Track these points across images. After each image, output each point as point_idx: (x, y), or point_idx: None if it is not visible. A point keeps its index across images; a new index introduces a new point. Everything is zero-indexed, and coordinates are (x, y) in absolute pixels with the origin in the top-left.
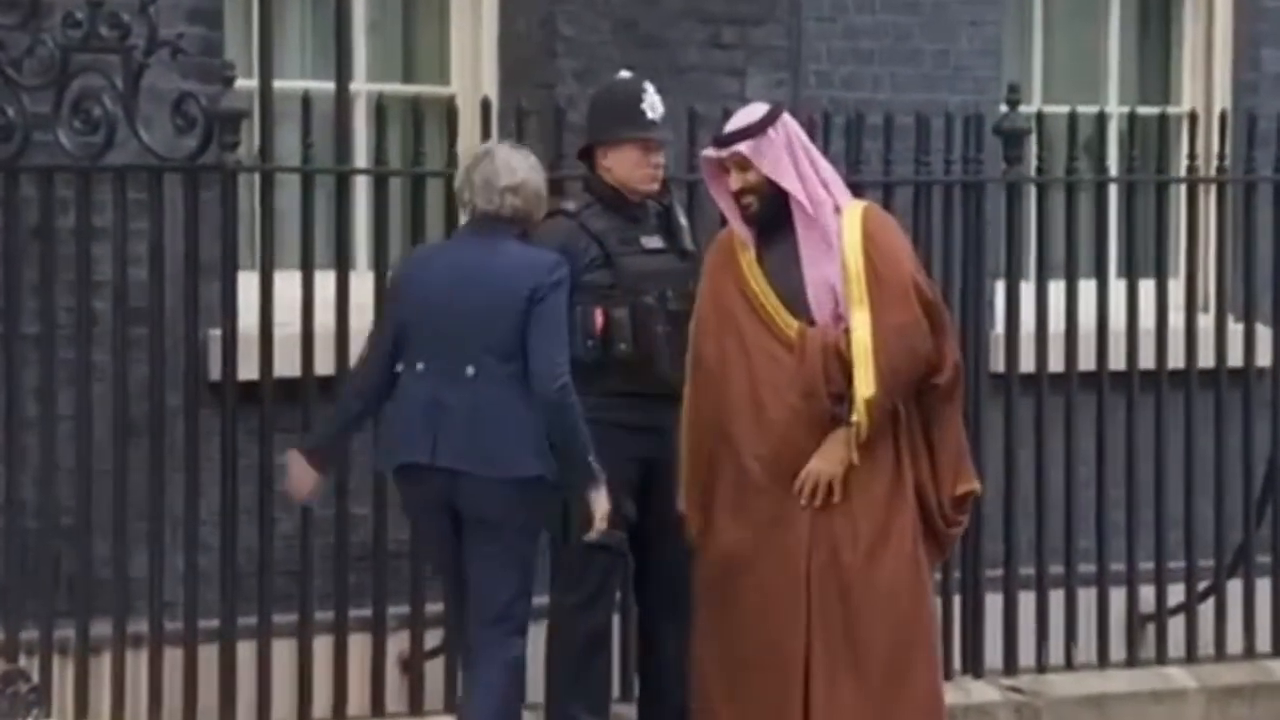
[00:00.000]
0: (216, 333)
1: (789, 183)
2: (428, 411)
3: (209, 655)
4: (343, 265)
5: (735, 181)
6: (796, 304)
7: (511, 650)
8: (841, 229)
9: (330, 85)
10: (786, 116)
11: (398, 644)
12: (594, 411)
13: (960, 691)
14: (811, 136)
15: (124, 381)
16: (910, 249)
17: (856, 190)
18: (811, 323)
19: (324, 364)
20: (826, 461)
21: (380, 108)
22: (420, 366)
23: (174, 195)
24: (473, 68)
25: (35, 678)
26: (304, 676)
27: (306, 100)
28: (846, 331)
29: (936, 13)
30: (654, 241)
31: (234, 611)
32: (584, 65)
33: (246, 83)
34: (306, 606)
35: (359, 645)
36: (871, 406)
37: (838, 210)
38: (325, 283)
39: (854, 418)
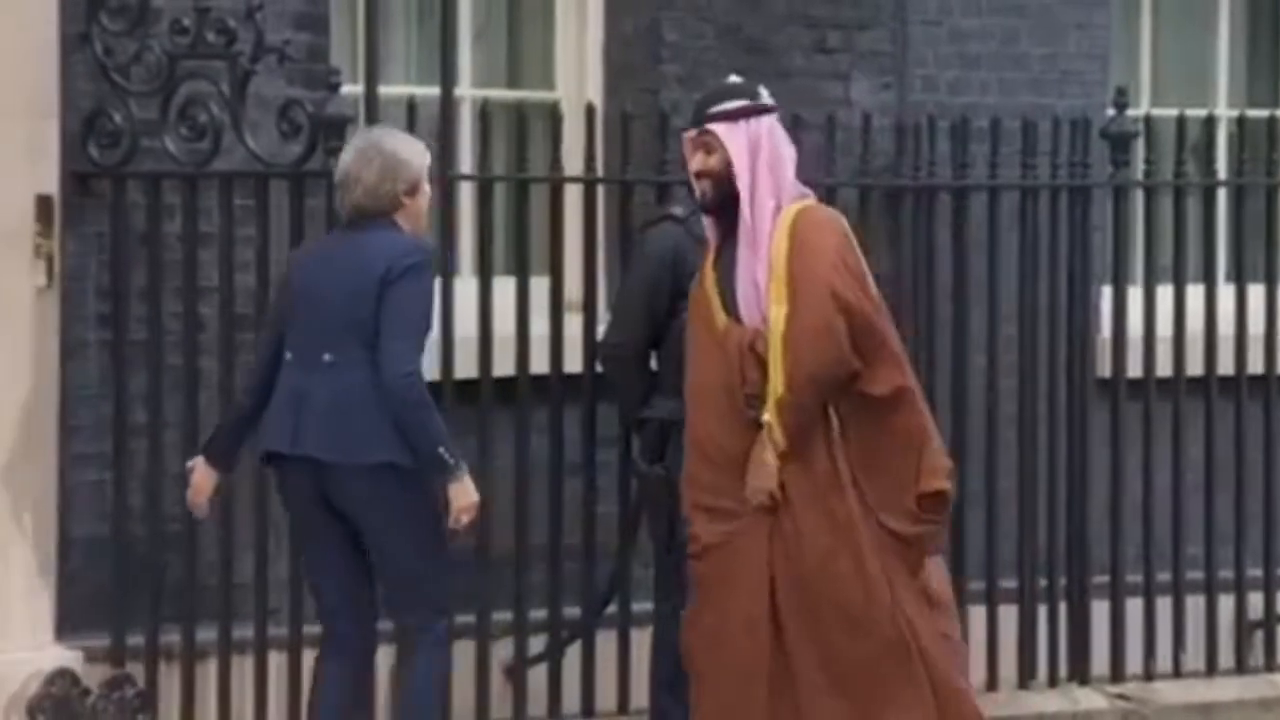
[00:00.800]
0: None
1: (740, 176)
2: (290, 400)
3: (313, 661)
4: (447, 271)
5: (696, 162)
6: (732, 302)
7: (432, 632)
8: (774, 229)
9: (435, 91)
10: (767, 117)
11: (502, 651)
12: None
13: (1067, 699)
14: (917, 142)
15: (229, 388)
16: (841, 252)
17: (961, 195)
18: (739, 322)
19: (427, 370)
20: (754, 476)
21: (485, 113)
22: (289, 356)
23: (279, 201)
24: (577, 73)
25: (141, 683)
26: None
27: (411, 106)
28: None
29: (1043, 16)
30: None
31: None
32: (688, 70)
33: (352, 88)
34: None
35: (463, 651)
36: (782, 408)
37: (778, 210)
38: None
39: (765, 417)
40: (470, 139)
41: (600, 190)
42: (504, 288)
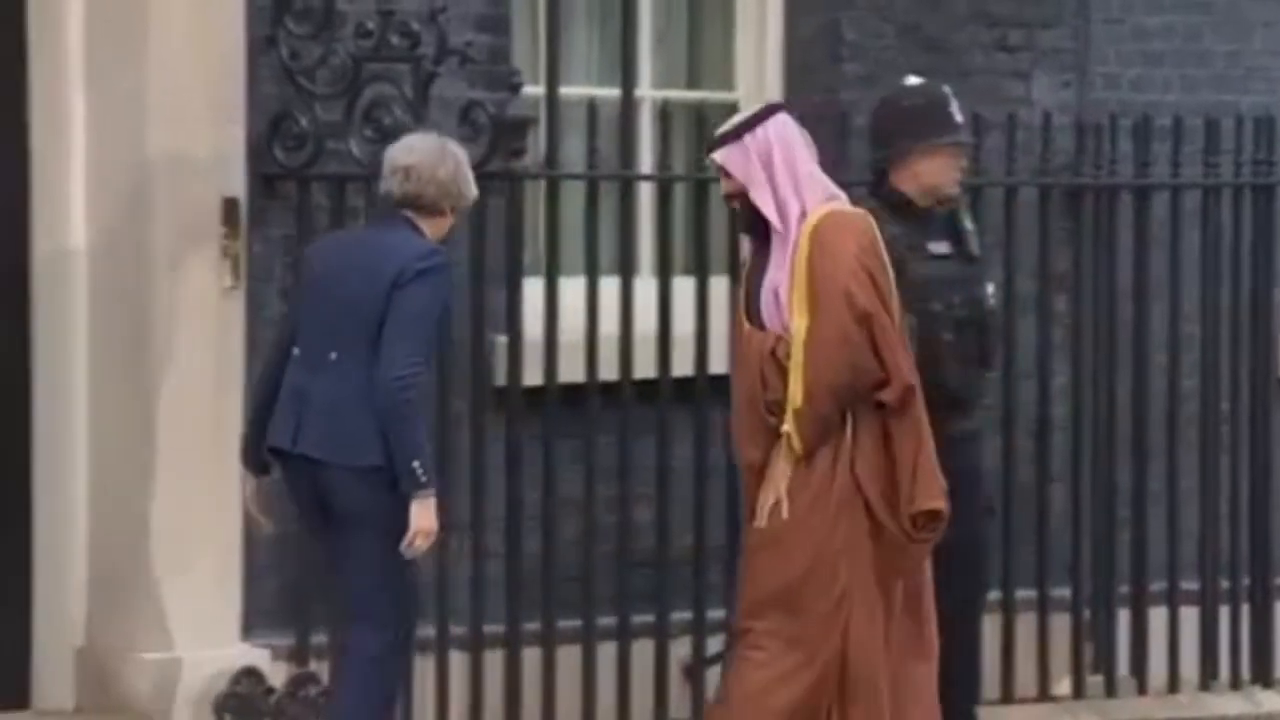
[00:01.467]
0: (502, 339)
1: (757, 192)
2: (292, 397)
3: (494, 660)
4: (627, 271)
5: (725, 186)
6: (756, 309)
7: (367, 649)
8: (799, 236)
9: (616, 92)
10: (772, 120)
11: (680, 650)
12: None
13: (1249, 701)
14: (1099, 140)
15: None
16: (862, 258)
17: (1143, 194)
18: (763, 328)
19: (608, 370)
20: (766, 485)
21: (665, 114)
22: (296, 352)
23: None
24: (757, 73)
25: (325, 681)
26: (588, 682)
27: (592, 107)
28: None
29: (1229, 12)
30: (941, 247)
31: (519, 618)
32: (868, 70)
33: (533, 90)
34: (590, 613)
35: (642, 651)
36: (800, 418)
37: (803, 216)
38: (609, 289)
39: (784, 428)
40: (650, 139)
41: None
42: (683, 288)
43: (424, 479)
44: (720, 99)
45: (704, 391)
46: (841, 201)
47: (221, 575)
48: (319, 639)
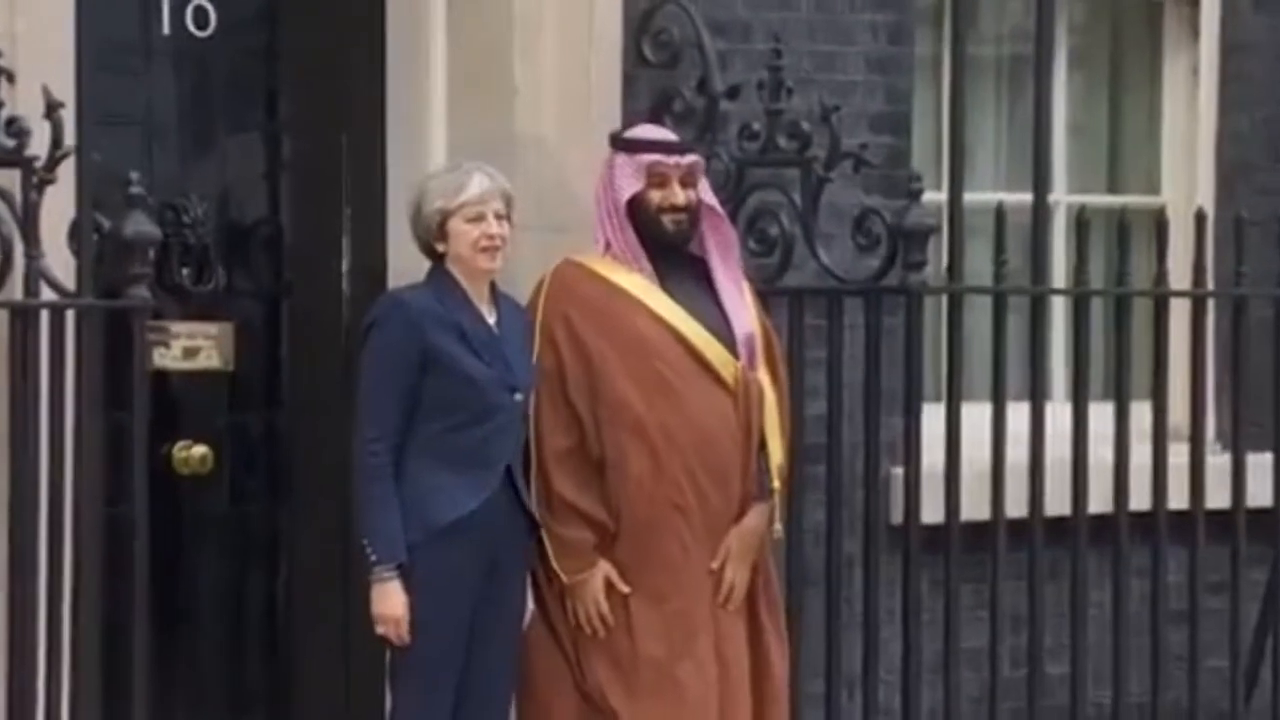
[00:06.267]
0: (898, 471)
1: (716, 203)
2: None
3: None
4: (1038, 395)
5: (679, 196)
6: (722, 340)
7: None
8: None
9: (1026, 197)
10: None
11: None
12: None
13: None
14: None
15: (798, 525)
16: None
17: None
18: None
19: (1016, 505)
20: (747, 549)
21: (1081, 221)
22: None
23: (854, 320)
24: (1186, 175)
25: None
26: None
27: (999, 213)
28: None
29: None
30: None
31: None
32: None
33: (934, 195)
34: None
35: None
36: (782, 474)
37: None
38: (1018, 415)
39: (774, 483)
40: (1064, 249)
41: (1210, 305)
42: (1101, 414)
43: (373, 559)
44: (1144, 203)
45: (1123, 529)
46: None
47: None
48: None
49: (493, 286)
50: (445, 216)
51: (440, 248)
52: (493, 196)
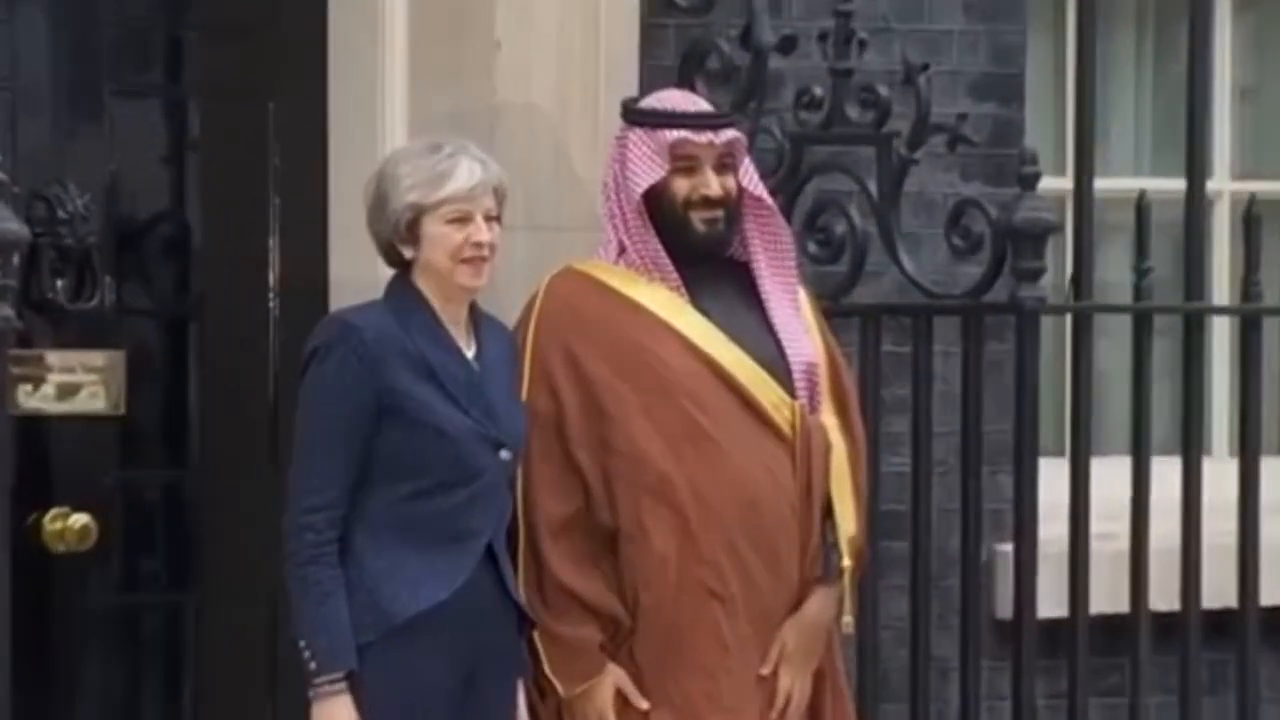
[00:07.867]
0: (1006, 548)
1: (764, 191)
2: None
3: None
4: (1192, 448)
5: (714, 185)
6: (774, 373)
7: None
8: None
9: (1178, 184)
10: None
11: None
12: None
13: None
14: None
15: (874, 617)
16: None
17: None
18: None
19: (1163, 595)
20: (807, 649)
21: (1250, 216)
22: None
23: (948, 346)
24: None
25: None
26: None
27: (1142, 206)
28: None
29: None
30: None
31: None
32: None
33: (1054, 183)
34: None
35: None
36: (855, 549)
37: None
38: (1166, 474)
39: (845, 562)
40: (1227, 253)
41: None
42: (1275, 472)
43: (312, 666)
44: None
45: None
46: None
47: None
48: None
49: (473, 308)
50: (419, 214)
51: (408, 253)
52: (484, 192)
